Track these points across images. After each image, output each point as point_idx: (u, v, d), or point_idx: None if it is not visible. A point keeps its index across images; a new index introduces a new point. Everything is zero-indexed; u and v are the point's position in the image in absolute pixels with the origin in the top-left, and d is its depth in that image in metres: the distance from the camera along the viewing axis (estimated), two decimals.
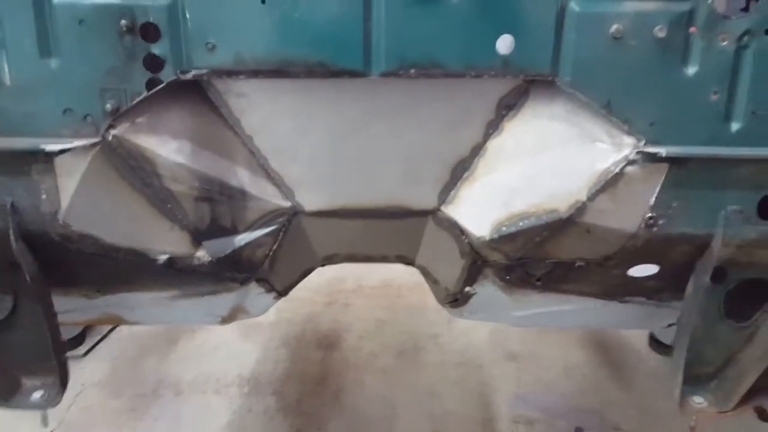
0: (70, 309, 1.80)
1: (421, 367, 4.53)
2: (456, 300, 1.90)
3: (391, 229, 1.79)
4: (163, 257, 1.62)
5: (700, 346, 1.67)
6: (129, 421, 3.96)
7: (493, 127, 1.61)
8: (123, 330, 5.04)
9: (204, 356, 4.70)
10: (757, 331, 1.67)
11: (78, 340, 4.35)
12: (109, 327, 4.98)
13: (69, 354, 4.48)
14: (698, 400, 1.68)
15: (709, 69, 1.44)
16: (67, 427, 3.93)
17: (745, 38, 1.43)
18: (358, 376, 4.42)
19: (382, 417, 4.00)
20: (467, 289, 1.84)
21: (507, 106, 1.59)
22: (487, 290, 1.82)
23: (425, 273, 1.96)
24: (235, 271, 1.70)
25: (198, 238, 1.64)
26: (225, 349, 4.80)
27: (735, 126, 1.48)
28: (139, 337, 4.94)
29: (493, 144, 1.62)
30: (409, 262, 1.94)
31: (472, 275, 1.78)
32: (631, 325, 1.94)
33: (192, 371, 4.48)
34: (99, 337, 4.83)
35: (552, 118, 1.55)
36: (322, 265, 1.97)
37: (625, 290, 1.78)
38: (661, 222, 1.55)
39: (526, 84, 1.56)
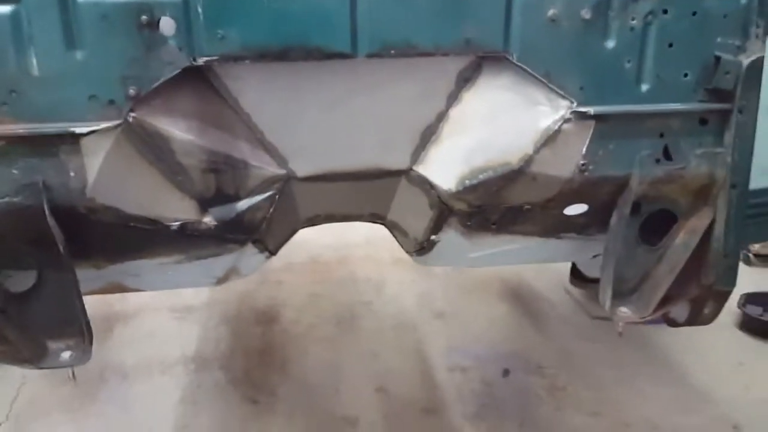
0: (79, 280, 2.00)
1: (359, 333, 4.87)
2: (422, 248, 2.24)
3: (369, 190, 2.10)
4: (175, 224, 1.86)
5: (622, 267, 2.10)
6: (81, 406, 4.08)
7: (453, 97, 1.95)
8: None
9: (142, 341, 4.84)
10: (666, 252, 2.11)
11: None
12: None
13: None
14: (624, 310, 2.11)
15: (623, 43, 1.85)
16: (16, 419, 3.99)
17: (649, 17, 1.84)
18: (300, 346, 4.71)
19: (328, 379, 4.32)
20: (432, 237, 2.18)
21: (465, 79, 1.93)
22: (449, 237, 2.17)
23: (394, 227, 2.29)
24: (237, 233, 1.96)
25: (205, 205, 1.89)
26: (162, 333, 4.95)
27: (644, 87, 1.90)
28: None
29: (454, 111, 1.96)
30: (381, 218, 2.26)
31: (438, 224, 2.13)
32: (564, 258, 2.34)
33: (134, 356, 4.62)
34: None
35: (502, 88, 1.91)
36: (304, 227, 2.26)
37: (561, 228, 2.17)
38: (591, 167, 1.95)
39: (479, 60, 1.90)
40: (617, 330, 2.17)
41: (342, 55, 1.73)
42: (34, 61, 1.63)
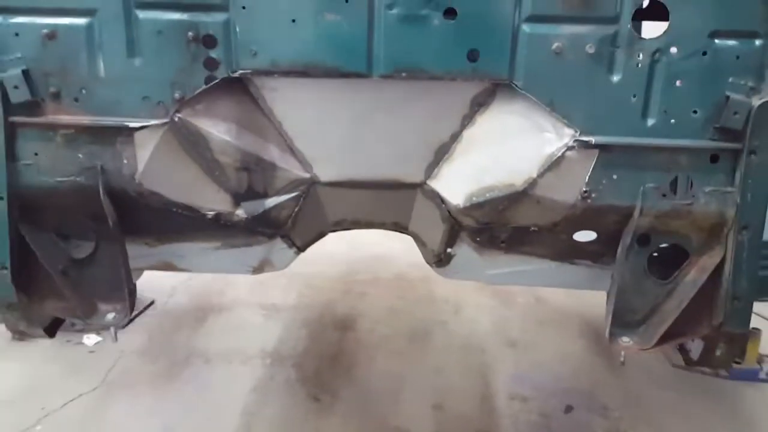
0: (134, 255, 2.33)
1: (428, 349, 5.01)
2: (440, 260, 2.40)
3: (388, 200, 2.29)
4: (210, 213, 2.15)
5: (630, 298, 2.15)
6: (164, 383, 4.50)
7: (467, 119, 2.11)
8: (158, 307, 5.61)
9: (230, 333, 5.24)
10: (676, 287, 2.13)
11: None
12: (145, 304, 5.56)
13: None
14: (625, 340, 2.15)
15: (629, 78, 1.93)
16: (108, 386, 4.47)
17: (657, 55, 1.91)
18: (370, 355, 4.92)
19: (390, 389, 4.49)
20: (448, 250, 2.33)
21: (478, 104, 2.09)
22: (464, 251, 2.31)
23: (416, 238, 2.46)
24: (265, 227, 2.22)
25: (238, 199, 2.17)
26: (249, 327, 5.34)
27: (650, 122, 1.97)
28: (173, 314, 5.50)
29: (467, 132, 2.12)
30: (403, 228, 2.44)
31: (451, 238, 2.28)
32: (582, 286, 2.39)
33: (219, 344, 5.02)
34: (136, 312, 5.39)
35: (512, 113, 2.04)
36: (333, 230, 2.48)
37: (573, 253, 2.25)
38: (594, 195, 2.03)
39: (494, 86, 2.05)
40: (620, 360, 2.20)
41: (358, 75, 1.94)
42: (102, 65, 1.97)
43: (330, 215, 2.40)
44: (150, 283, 5.75)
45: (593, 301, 3.94)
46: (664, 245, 2.11)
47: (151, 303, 5.65)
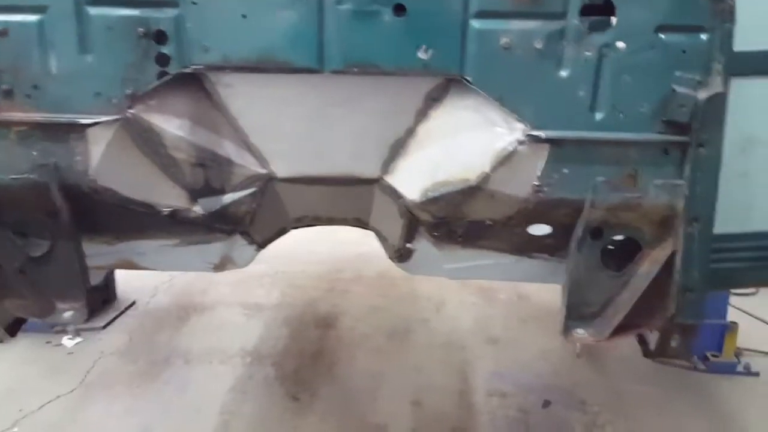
0: (94, 254, 2.34)
1: (409, 347, 5.04)
2: (401, 255, 2.41)
3: (348, 196, 2.31)
4: (167, 209, 2.16)
5: (584, 290, 2.17)
6: (143, 383, 4.53)
7: (422, 114, 2.13)
8: (139, 308, 5.63)
9: (211, 332, 5.27)
10: (630, 279, 2.15)
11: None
12: (126, 305, 5.57)
13: (88, 326, 5.10)
14: (580, 332, 2.17)
15: (577, 73, 1.95)
16: (87, 387, 4.50)
17: (604, 49, 1.93)
18: (351, 353, 4.95)
19: (369, 386, 4.53)
20: (408, 245, 2.35)
21: (432, 99, 2.11)
22: (423, 246, 2.33)
23: (377, 233, 2.48)
24: (222, 223, 2.24)
25: (194, 195, 2.18)
26: (230, 326, 5.37)
27: (599, 116, 1.99)
28: (154, 315, 5.52)
29: (422, 128, 2.14)
30: (364, 224, 2.46)
31: (410, 233, 2.30)
32: (541, 279, 2.41)
33: (200, 344, 5.05)
34: (116, 313, 5.41)
35: (466, 108, 2.06)
36: (294, 227, 2.50)
37: (530, 247, 2.27)
38: (546, 189, 2.05)
39: (447, 81, 2.07)
40: (575, 352, 2.22)
41: (310, 70, 1.96)
42: (54, 62, 1.99)
43: (291, 211, 2.42)
44: (131, 283, 5.80)
45: None
46: (617, 238, 2.13)
47: (133, 303, 5.67)
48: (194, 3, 1.91)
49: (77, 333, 5.11)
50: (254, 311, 5.58)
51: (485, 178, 2.06)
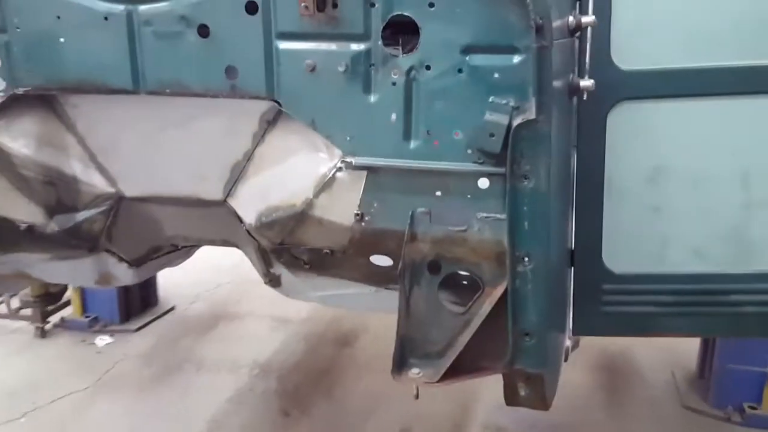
0: None
1: None
2: (271, 280, 2.43)
3: (208, 217, 2.35)
4: (24, 225, 2.32)
5: (422, 327, 2.07)
6: (149, 386, 4.79)
7: (258, 137, 2.14)
8: (177, 313, 5.96)
9: (233, 342, 5.48)
10: (473, 318, 2.03)
11: None
12: (164, 310, 5.93)
13: (122, 328, 5.49)
14: (415, 372, 2.07)
15: (387, 97, 1.89)
16: (99, 386, 4.82)
17: (413, 72, 1.85)
18: (358, 373, 4.96)
19: (363, 408, 4.52)
20: (271, 270, 2.36)
21: (267, 121, 2.12)
22: (283, 272, 2.33)
23: (247, 255, 2.50)
24: (78, 239, 2.36)
25: (50, 212, 2.32)
26: (252, 337, 5.55)
27: (414, 143, 1.91)
28: (187, 321, 5.82)
29: (259, 150, 2.15)
30: (234, 245, 2.49)
31: (265, 258, 2.30)
32: None
33: (217, 353, 5.26)
34: (153, 317, 5.77)
35: (294, 132, 2.05)
36: (173, 246, 2.58)
37: (383, 279, 2.20)
38: (367, 218, 2.00)
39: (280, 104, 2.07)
40: (413, 393, 2.13)
41: (126, 91, 2.04)
42: None
43: (163, 230, 2.50)
44: (175, 289, 6.17)
45: None
46: (455, 273, 2.02)
47: (171, 309, 6.01)
48: (18, 29, 2.05)
49: (110, 334, 5.51)
50: (280, 324, 5.73)
51: (309, 203, 2.04)
